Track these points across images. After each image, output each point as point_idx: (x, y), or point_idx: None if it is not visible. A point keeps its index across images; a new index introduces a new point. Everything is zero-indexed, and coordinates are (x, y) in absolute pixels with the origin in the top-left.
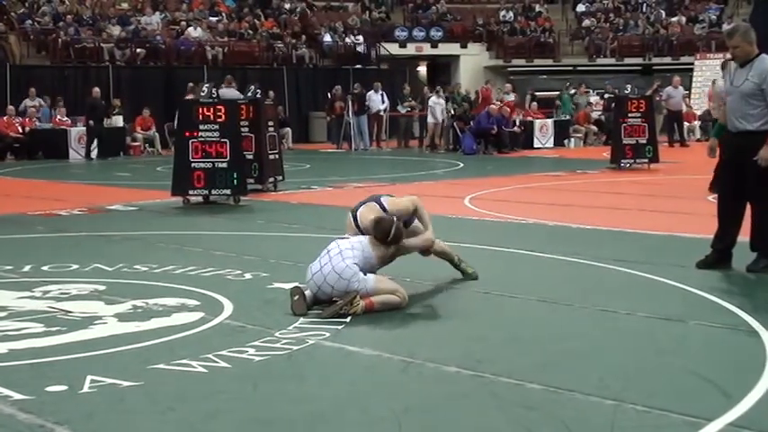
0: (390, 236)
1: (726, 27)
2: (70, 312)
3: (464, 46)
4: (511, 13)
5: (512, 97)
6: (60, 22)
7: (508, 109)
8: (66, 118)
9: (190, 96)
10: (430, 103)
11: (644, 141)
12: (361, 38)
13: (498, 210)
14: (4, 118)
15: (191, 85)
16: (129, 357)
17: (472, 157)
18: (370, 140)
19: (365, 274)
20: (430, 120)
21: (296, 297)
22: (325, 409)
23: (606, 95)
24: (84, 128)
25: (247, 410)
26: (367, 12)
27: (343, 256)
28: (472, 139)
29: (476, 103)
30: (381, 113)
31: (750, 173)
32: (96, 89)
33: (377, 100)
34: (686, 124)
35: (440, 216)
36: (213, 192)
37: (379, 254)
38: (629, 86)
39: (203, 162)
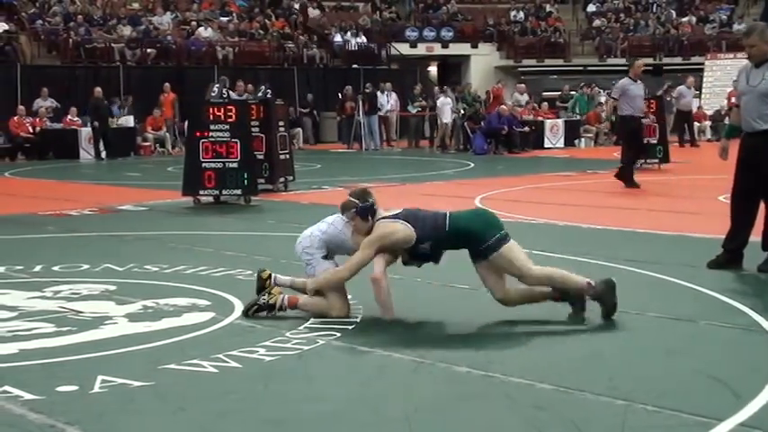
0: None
1: (737, 27)
2: (81, 312)
3: (475, 46)
4: (521, 13)
5: (526, 98)
6: (71, 22)
7: (519, 109)
8: (77, 118)
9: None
10: (438, 103)
11: (654, 141)
12: (348, 34)
13: (509, 210)
14: (15, 118)
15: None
16: (140, 357)
17: (483, 157)
18: (380, 140)
19: (328, 256)
20: (440, 120)
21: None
22: (335, 410)
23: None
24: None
25: (258, 410)
26: (378, 12)
27: (319, 225)
28: (483, 139)
29: (487, 103)
30: (387, 114)
31: (765, 172)
32: (98, 89)
33: (383, 101)
34: (697, 124)
35: None
36: (224, 192)
37: (356, 240)
38: None
39: (214, 162)
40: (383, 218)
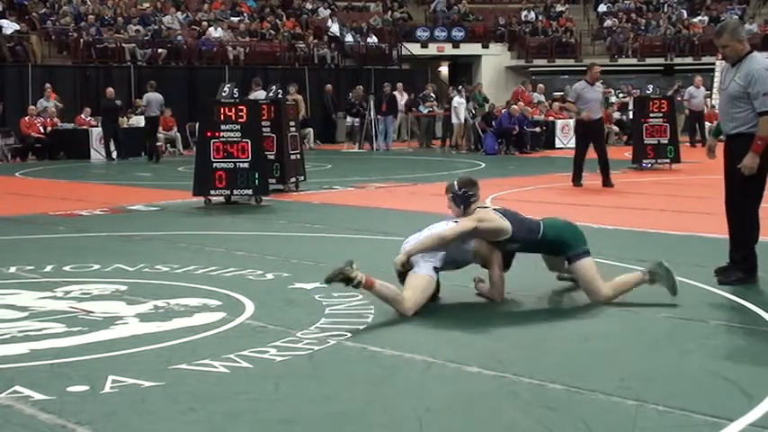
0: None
1: (748, 27)
2: (91, 312)
3: (485, 46)
4: (532, 13)
5: (542, 98)
6: (82, 22)
7: (529, 109)
8: (90, 117)
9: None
10: (454, 103)
11: (665, 141)
12: (336, 25)
13: (519, 210)
14: (26, 118)
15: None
16: (151, 357)
17: (494, 157)
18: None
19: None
20: (454, 120)
21: None
22: (346, 410)
23: (620, 95)
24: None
25: (269, 411)
26: (389, 12)
27: (431, 228)
28: (494, 139)
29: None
30: (429, 113)
31: (732, 177)
32: (110, 89)
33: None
34: (708, 124)
35: None
36: (235, 192)
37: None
38: (650, 86)
39: (225, 162)
40: (485, 207)
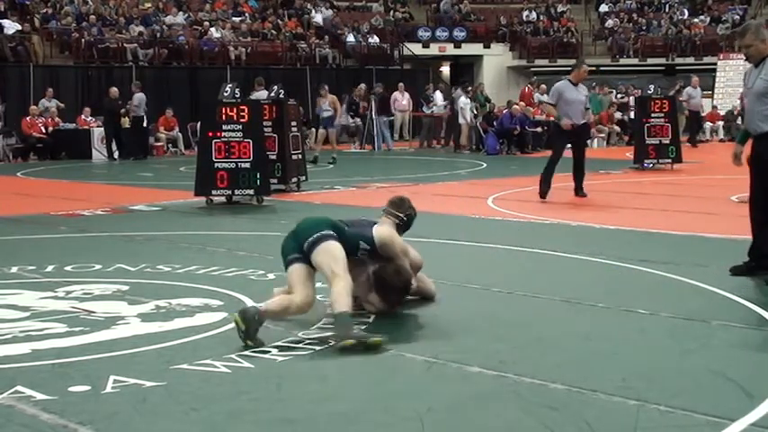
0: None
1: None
2: (93, 312)
3: (487, 46)
4: (534, 14)
5: (546, 98)
6: (83, 22)
7: (531, 109)
8: (91, 118)
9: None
10: (460, 103)
11: (667, 141)
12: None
13: (521, 210)
14: (28, 118)
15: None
16: (152, 357)
17: (495, 157)
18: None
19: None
20: (461, 121)
21: None
22: (348, 409)
23: (618, 95)
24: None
25: (270, 411)
26: (390, 12)
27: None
28: (495, 139)
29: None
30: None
31: (760, 179)
32: (114, 89)
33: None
34: (710, 124)
35: (463, 216)
36: (236, 192)
37: None
38: (651, 87)
39: (226, 162)
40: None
